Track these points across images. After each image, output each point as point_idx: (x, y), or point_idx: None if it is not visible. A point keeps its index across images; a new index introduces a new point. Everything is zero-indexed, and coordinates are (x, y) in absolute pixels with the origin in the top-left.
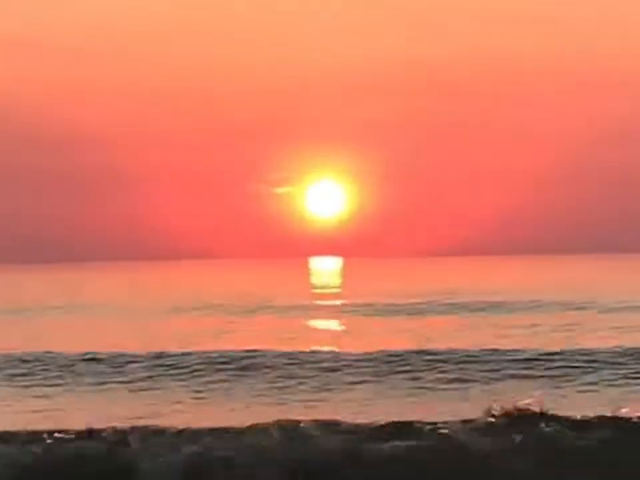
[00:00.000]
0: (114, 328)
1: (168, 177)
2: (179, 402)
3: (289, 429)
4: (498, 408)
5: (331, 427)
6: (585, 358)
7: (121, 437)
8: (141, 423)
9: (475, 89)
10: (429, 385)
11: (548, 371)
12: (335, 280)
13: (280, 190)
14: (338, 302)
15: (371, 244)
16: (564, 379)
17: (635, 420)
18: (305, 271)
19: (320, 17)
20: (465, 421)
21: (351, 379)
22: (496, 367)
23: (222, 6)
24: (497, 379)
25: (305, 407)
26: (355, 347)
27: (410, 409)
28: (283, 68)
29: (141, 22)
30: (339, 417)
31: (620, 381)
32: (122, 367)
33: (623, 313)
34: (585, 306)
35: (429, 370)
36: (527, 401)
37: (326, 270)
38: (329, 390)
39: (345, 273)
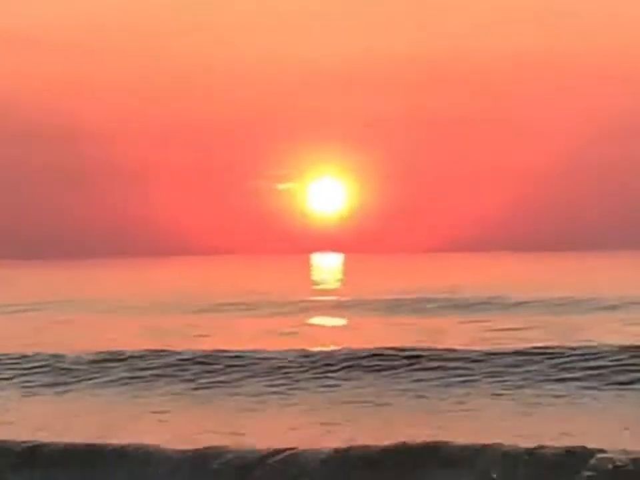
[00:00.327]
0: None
1: (168, 172)
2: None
3: None
4: None
5: None
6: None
7: None
8: None
9: (476, 85)
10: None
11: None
12: (336, 276)
13: (281, 186)
14: (338, 298)
15: (371, 240)
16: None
17: None
18: (306, 267)
19: (321, 13)
20: None
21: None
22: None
23: (223, 2)
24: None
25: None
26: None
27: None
28: (284, 64)
29: (141, 18)
30: None
31: None
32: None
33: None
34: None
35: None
36: None
37: (327, 266)
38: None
39: (346, 269)
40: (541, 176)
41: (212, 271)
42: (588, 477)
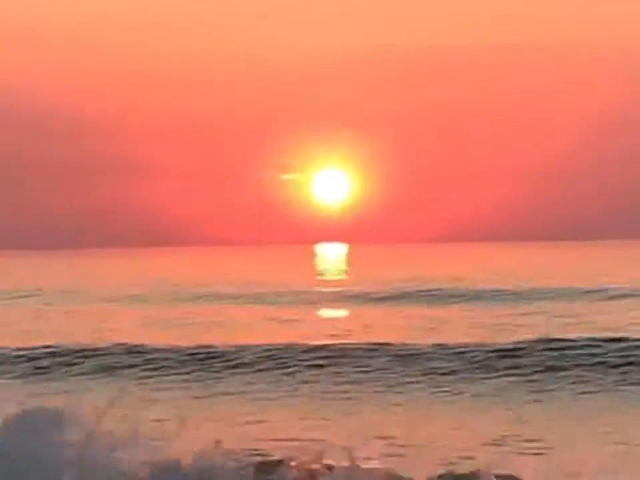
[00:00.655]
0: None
1: (173, 164)
2: None
3: None
4: None
5: None
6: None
7: None
8: None
9: (481, 78)
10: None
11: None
12: (341, 266)
13: (285, 177)
14: (342, 289)
15: (376, 230)
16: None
17: None
18: (310, 257)
19: (325, 5)
20: None
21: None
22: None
23: None
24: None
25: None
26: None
27: None
28: (289, 56)
29: (145, 13)
30: None
31: None
32: None
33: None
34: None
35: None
36: None
37: (332, 256)
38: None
39: (350, 259)
40: (543, 168)
41: (215, 261)
42: None
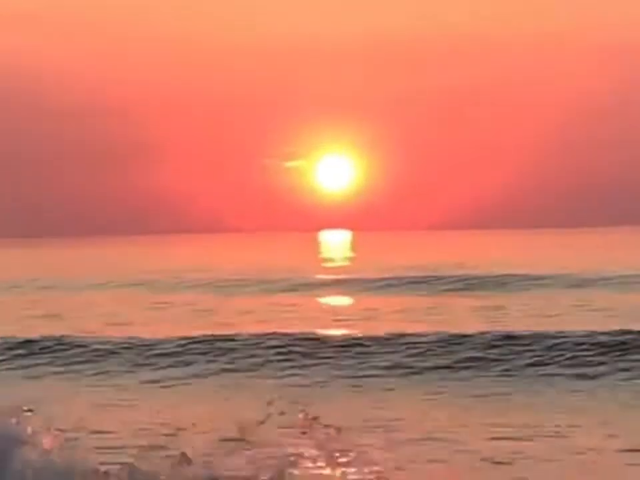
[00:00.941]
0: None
1: (178, 151)
2: None
3: None
4: None
5: None
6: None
7: None
8: None
9: (484, 64)
10: None
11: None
12: (345, 253)
13: (290, 164)
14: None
15: (380, 217)
16: None
17: None
18: (315, 244)
19: None
20: None
21: None
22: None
23: None
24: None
25: None
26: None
27: None
28: (295, 43)
29: None
30: None
31: None
32: None
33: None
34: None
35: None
36: None
37: (336, 243)
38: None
39: (355, 246)
40: (546, 153)
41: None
42: None
